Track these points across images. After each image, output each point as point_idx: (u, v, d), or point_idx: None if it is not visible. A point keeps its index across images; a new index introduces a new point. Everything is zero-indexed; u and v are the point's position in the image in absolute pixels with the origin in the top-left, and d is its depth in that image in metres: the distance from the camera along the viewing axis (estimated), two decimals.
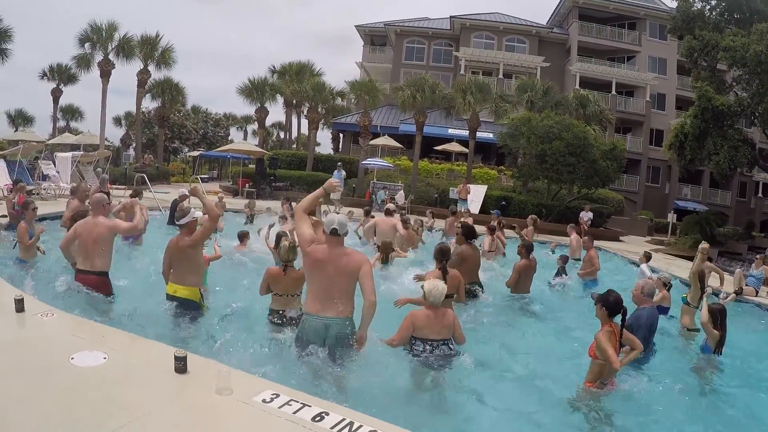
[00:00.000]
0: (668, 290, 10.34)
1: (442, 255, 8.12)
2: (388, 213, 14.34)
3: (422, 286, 6.54)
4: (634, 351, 6.12)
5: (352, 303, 5.77)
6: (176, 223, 7.21)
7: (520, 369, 7.19)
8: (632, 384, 6.39)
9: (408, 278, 9.92)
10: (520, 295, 10.71)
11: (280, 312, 6.99)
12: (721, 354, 7.83)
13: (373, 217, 16.12)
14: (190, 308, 6.92)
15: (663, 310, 10.06)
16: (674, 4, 34.75)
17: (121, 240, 11.66)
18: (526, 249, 10.97)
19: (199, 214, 7.09)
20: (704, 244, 9.66)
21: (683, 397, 6.54)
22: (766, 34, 25.25)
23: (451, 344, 6.45)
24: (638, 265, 14.83)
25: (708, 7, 32.71)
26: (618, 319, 6.02)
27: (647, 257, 14.63)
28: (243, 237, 12.38)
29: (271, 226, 12.85)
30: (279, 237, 8.96)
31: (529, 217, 17.89)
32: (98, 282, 7.42)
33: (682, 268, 17.66)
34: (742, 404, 6.52)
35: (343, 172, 29.60)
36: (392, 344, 6.24)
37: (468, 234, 9.93)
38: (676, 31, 33.96)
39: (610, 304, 5.95)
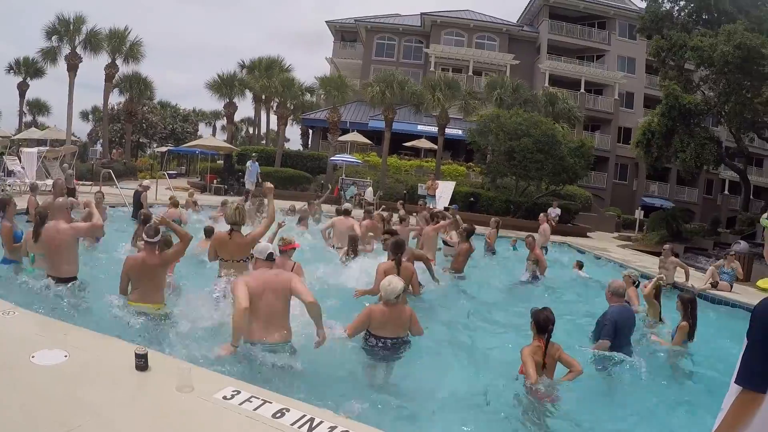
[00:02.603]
0: (636, 287, 10.49)
1: (397, 248, 8.20)
2: (346, 213, 14.32)
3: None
4: (572, 373, 6.11)
5: (289, 324, 5.83)
6: (145, 239, 7.08)
7: (465, 362, 7.39)
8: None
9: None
10: (459, 275, 12.45)
11: (227, 276, 6.98)
12: (692, 340, 8.14)
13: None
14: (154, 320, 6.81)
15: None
16: (644, 5, 35.15)
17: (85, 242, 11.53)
18: (467, 233, 12.75)
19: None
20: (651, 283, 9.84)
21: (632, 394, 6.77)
22: (733, 35, 25.55)
23: (406, 339, 6.52)
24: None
25: (677, 8, 33.10)
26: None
27: (579, 266, 15.12)
28: (209, 233, 12.27)
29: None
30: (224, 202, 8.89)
31: (492, 219, 17.98)
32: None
33: (649, 264, 17.93)
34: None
35: (257, 165, 29.07)
36: (347, 334, 6.27)
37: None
38: (644, 30, 34.30)
39: (539, 321, 6.06)
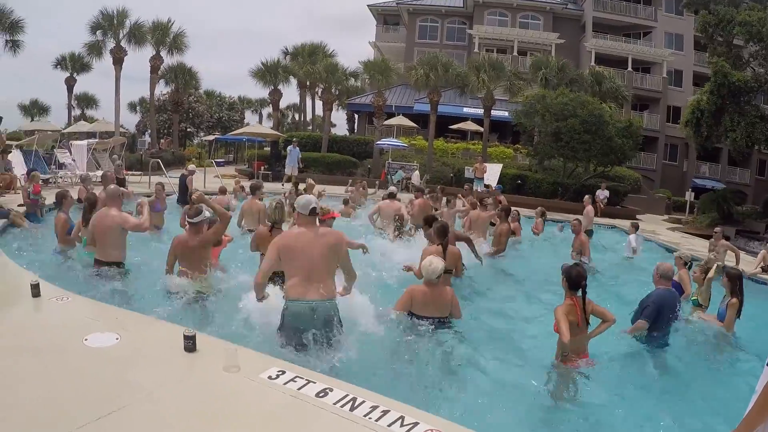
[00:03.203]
0: (689, 269, 10.23)
1: (442, 233, 8.22)
2: (392, 196, 14.35)
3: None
4: (605, 323, 6.16)
5: (334, 284, 5.73)
6: (188, 220, 7.26)
7: (511, 341, 7.41)
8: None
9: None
10: (500, 255, 12.56)
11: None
12: (739, 317, 7.93)
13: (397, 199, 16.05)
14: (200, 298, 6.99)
15: (680, 291, 10.05)
16: None
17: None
18: (505, 212, 13.05)
19: (208, 214, 7.17)
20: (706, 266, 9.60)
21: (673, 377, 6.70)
22: None
23: (447, 321, 6.61)
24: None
25: None
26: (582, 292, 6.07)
27: (635, 227, 14.85)
28: (255, 189, 12.56)
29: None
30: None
31: (537, 209, 17.85)
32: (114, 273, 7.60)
33: (699, 247, 17.61)
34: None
35: (298, 150, 29.25)
36: (392, 313, 6.44)
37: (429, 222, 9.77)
38: (691, 5, 33.70)
39: (571, 277, 6.03)
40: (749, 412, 2.61)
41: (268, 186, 19.92)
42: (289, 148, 29.14)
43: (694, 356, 7.40)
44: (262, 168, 32.08)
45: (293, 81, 45.97)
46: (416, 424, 3.73)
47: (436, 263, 6.51)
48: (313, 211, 5.66)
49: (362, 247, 8.37)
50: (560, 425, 5.25)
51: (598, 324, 6.17)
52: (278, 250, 5.51)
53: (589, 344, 6.19)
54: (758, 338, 7.90)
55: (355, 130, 52.03)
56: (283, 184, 26.17)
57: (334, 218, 8.91)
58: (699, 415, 5.57)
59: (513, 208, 15.53)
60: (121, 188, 11.23)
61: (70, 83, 48.01)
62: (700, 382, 6.62)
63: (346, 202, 16.85)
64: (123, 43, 37.28)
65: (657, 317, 7.10)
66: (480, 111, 35.93)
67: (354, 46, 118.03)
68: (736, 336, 7.88)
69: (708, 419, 5.47)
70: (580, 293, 6.02)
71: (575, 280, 6.01)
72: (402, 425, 3.72)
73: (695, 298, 9.12)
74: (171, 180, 20.31)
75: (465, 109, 41.10)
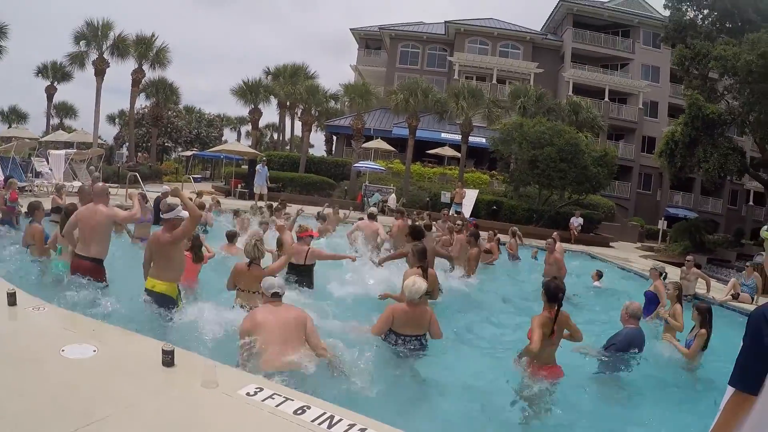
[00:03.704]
0: (663, 279, 10.82)
1: (422, 255, 8.35)
2: (371, 217, 14.46)
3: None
4: (573, 337, 6.63)
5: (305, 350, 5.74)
6: (161, 216, 7.32)
7: (480, 364, 7.51)
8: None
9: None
10: (469, 279, 12.46)
11: (243, 306, 7.12)
12: (705, 349, 8.10)
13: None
14: (166, 303, 6.95)
15: (656, 301, 10.38)
16: (667, 13, 35.03)
17: (130, 241, 11.83)
18: (474, 237, 13.06)
19: (185, 213, 7.19)
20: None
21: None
22: (757, 44, 25.46)
23: (424, 339, 6.80)
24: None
25: (700, 16, 33.09)
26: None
27: (599, 276, 15.07)
28: (232, 237, 12.42)
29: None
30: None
31: (510, 229, 18.12)
32: (92, 268, 7.69)
33: (671, 275, 17.83)
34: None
35: (266, 169, 29.17)
36: (372, 333, 6.61)
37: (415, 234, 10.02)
38: (668, 39, 34.32)
39: (549, 290, 6.30)
40: (712, 430, 2.75)
41: (244, 204, 19.93)
42: (258, 167, 29.16)
43: (658, 380, 7.58)
44: (239, 186, 32.04)
45: (273, 101, 46.10)
46: None
47: (420, 283, 6.70)
48: (275, 295, 5.88)
49: (346, 257, 8.50)
50: None
51: (568, 336, 6.55)
52: (248, 332, 5.58)
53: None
54: (726, 363, 8.07)
55: (333, 152, 52.14)
56: (256, 202, 26.16)
57: (312, 237, 9.00)
58: None
59: (491, 230, 15.87)
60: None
61: (50, 92, 47.79)
62: (663, 404, 6.78)
63: (321, 217, 16.90)
64: (106, 55, 37.30)
65: (624, 352, 7.36)
66: (458, 137, 36.17)
67: (335, 69, 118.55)
68: (702, 364, 8.06)
69: None
70: (556, 306, 6.24)
71: (553, 292, 6.25)
72: None
73: (665, 317, 9.41)
74: (148, 194, 20.26)
75: (443, 135, 41.39)
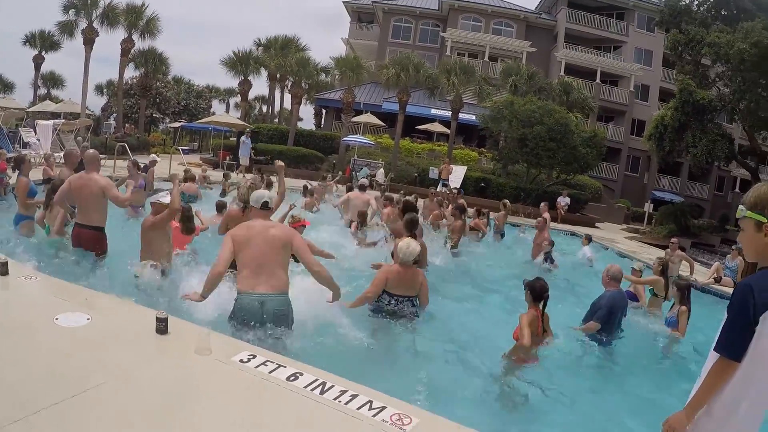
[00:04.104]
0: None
1: (412, 225, 8.46)
2: (362, 188, 14.53)
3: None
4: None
5: (286, 276, 5.71)
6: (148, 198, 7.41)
7: (471, 332, 7.73)
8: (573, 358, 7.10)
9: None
10: (453, 251, 12.60)
11: None
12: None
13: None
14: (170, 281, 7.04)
15: (635, 299, 10.47)
16: None
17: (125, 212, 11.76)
18: (459, 210, 13.21)
19: (166, 199, 7.24)
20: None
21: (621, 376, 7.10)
22: (751, 33, 25.55)
23: (415, 301, 6.96)
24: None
25: (696, 2, 33.12)
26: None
27: (588, 239, 15.32)
28: (221, 207, 12.43)
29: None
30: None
31: (502, 202, 18.19)
32: (94, 236, 7.73)
33: (655, 256, 17.99)
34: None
35: (249, 142, 29.45)
36: (366, 296, 6.70)
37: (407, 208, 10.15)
38: (663, 24, 34.29)
39: (535, 290, 6.39)
40: (695, 394, 2.90)
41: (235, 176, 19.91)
42: (242, 138, 29.19)
43: (644, 358, 7.84)
44: (227, 158, 31.93)
45: (264, 73, 45.77)
46: (384, 408, 3.88)
47: (414, 245, 6.87)
48: (264, 205, 5.78)
49: (330, 256, 8.57)
50: (515, 411, 5.67)
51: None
52: (231, 241, 5.56)
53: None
54: (707, 341, 8.26)
55: (323, 126, 51.98)
56: (237, 174, 26.19)
57: (304, 226, 9.05)
58: (645, 413, 5.84)
59: (477, 207, 15.99)
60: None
61: (37, 61, 47.44)
62: (647, 381, 6.98)
63: (309, 192, 16.94)
64: (95, 24, 36.92)
65: (608, 318, 7.48)
66: (448, 113, 36.19)
67: (327, 42, 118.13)
68: (685, 341, 8.22)
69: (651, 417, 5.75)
70: (542, 305, 6.39)
71: (539, 292, 6.37)
72: (370, 409, 3.87)
73: (651, 288, 9.62)
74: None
75: (433, 111, 41.37)
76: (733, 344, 2.81)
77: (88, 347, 4.57)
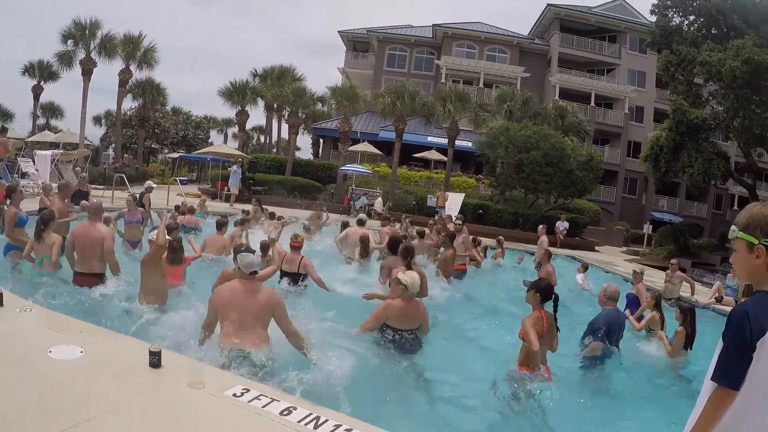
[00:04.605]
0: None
1: (407, 253, 8.45)
2: (360, 223, 14.47)
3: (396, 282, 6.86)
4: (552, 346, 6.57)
5: (266, 334, 5.83)
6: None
7: (470, 355, 7.85)
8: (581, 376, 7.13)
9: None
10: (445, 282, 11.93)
11: None
12: (691, 348, 8.34)
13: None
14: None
15: (637, 303, 10.82)
16: (654, 19, 35.34)
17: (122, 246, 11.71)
18: (450, 238, 12.68)
19: (152, 234, 7.29)
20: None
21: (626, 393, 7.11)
22: (741, 50, 25.75)
23: (417, 333, 6.92)
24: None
25: (686, 22, 33.38)
26: (549, 306, 6.43)
27: (584, 267, 15.29)
28: (221, 225, 12.42)
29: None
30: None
31: (496, 239, 18.23)
32: (95, 283, 7.84)
33: (656, 278, 17.97)
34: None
35: (239, 171, 29.87)
36: (364, 328, 6.66)
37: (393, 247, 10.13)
38: (654, 45, 34.60)
39: (543, 290, 6.35)
40: (694, 426, 2.82)
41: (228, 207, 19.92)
42: (232, 168, 29.33)
43: (642, 378, 7.78)
44: (226, 188, 31.98)
45: (261, 102, 46.17)
46: None
47: (417, 278, 6.87)
48: (253, 273, 5.89)
49: (323, 286, 8.68)
50: None
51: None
52: (214, 307, 5.78)
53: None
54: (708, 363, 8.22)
55: (320, 155, 52.12)
56: (231, 205, 26.35)
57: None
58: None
59: (473, 236, 15.85)
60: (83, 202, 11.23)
61: (36, 91, 47.65)
62: (648, 402, 6.97)
63: (306, 229, 16.93)
64: (93, 55, 37.20)
65: (607, 337, 7.50)
66: (444, 140, 36.36)
67: (323, 71, 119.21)
68: (689, 363, 8.20)
69: None
70: (549, 306, 6.37)
71: (547, 293, 6.34)
72: None
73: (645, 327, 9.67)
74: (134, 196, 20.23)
75: (429, 138, 41.53)
76: (731, 373, 2.70)
77: (82, 380, 4.55)
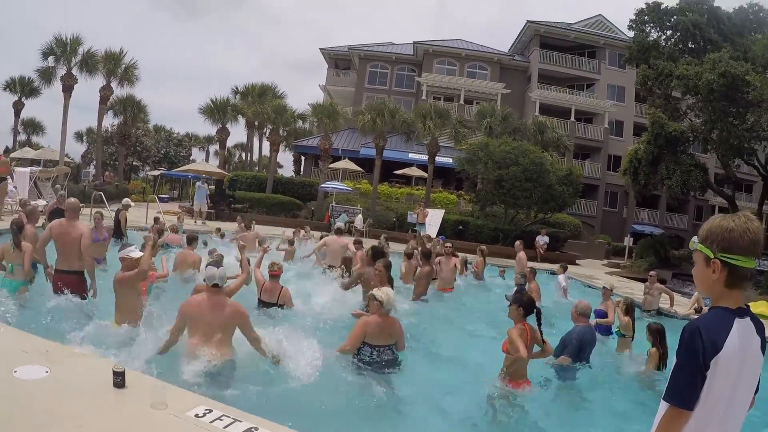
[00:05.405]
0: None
1: (387, 268, 8.51)
2: (339, 232, 14.52)
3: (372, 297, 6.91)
4: (544, 353, 6.76)
5: (231, 346, 6.09)
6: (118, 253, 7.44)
7: (447, 368, 7.85)
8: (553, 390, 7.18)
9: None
10: (423, 299, 12.17)
11: None
12: (665, 366, 8.23)
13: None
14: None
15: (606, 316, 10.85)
16: (632, 34, 35.76)
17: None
18: (425, 256, 12.62)
19: (136, 253, 7.24)
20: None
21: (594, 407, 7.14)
22: (718, 63, 26.05)
23: (395, 348, 6.94)
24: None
25: (663, 37, 33.80)
26: (532, 319, 6.52)
27: (564, 268, 15.31)
28: (192, 240, 12.37)
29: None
30: None
31: (478, 248, 18.23)
32: (77, 280, 8.13)
33: (636, 290, 18.06)
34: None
35: (206, 188, 29.69)
36: (344, 350, 6.65)
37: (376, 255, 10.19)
38: (632, 60, 34.99)
39: (525, 304, 6.43)
40: None
41: (209, 224, 19.83)
42: (198, 184, 29.22)
43: (618, 393, 7.80)
44: (192, 205, 31.88)
45: (242, 120, 46.11)
46: None
47: (391, 293, 6.94)
48: (215, 285, 6.08)
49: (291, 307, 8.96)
50: None
51: (538, 350, 6.65)
52: (182, 317, 6.04)
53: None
54: None
55: (301, 172, 52.12)
56: (196, 222, 26.22)
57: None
58: None
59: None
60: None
61: (17, 107, 47.36)
62: (621, 417, 6.94)
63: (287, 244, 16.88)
64: (74, 71, 37.06)
65: (578, 353, 7.60)
66: (425, 157, 36.51)
67: (305, 89, 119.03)
68: (664, 380, 8.20)
69: None
70: (532, 319, 6.45)
71: (529, 306, 6.42)
72: None
73: (617, 330, 9.71)
74: (113, 214, 20.11)
75: (410, 155, 41.66)
76: (683, 392, 2.57)
77: (46, 400, 4.50)
